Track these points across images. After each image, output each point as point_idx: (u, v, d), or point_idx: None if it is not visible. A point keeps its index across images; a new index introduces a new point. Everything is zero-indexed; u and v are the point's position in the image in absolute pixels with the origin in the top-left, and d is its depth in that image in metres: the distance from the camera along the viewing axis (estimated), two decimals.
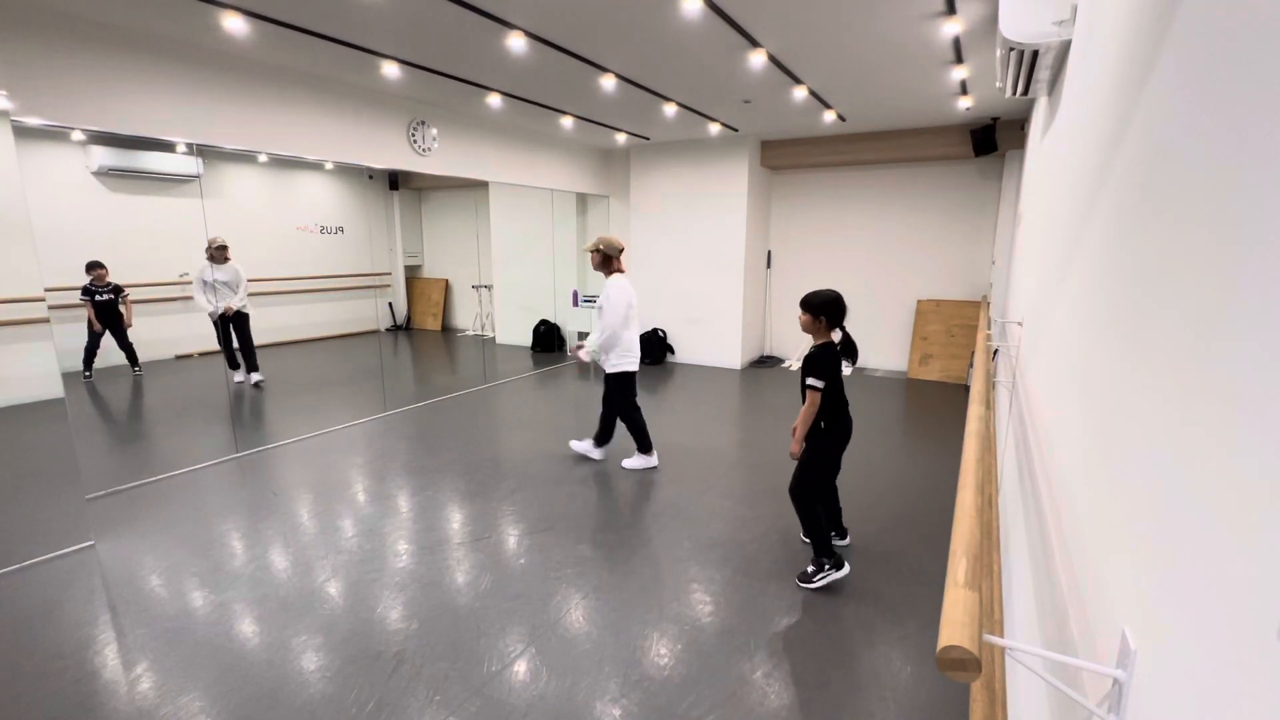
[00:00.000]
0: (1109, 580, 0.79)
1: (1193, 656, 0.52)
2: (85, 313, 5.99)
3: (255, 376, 6.27)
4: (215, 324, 5.91)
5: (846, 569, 2.88)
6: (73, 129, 3.51)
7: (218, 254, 5.81)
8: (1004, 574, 2.17)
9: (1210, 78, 0.63)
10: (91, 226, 6.33)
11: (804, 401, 2.79)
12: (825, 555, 2.86)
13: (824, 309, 2.74)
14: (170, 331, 6.95)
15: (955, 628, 0.76)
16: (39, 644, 2.41)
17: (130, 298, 6.22)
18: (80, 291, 5.93)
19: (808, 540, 3.00)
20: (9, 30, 3.09)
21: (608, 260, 3.99)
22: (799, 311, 2.82)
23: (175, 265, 6.77)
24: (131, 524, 3.40)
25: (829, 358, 2.75)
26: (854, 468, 4.35)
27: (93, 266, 5.96)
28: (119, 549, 3.13)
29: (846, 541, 3.23)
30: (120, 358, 6.35)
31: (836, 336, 2.80)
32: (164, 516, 3.49)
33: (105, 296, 6.03)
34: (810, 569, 2.86)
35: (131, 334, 6.31)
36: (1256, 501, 0.43)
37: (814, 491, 2.87)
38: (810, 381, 2.74)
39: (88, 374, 6.17)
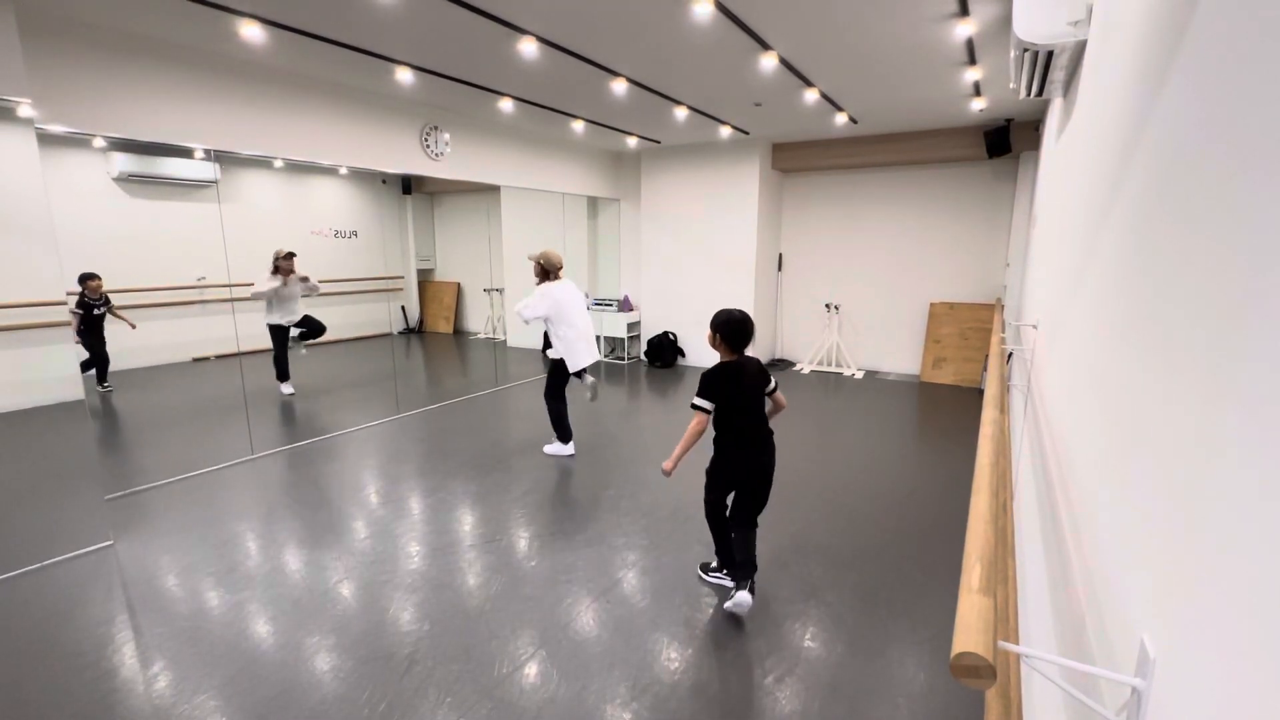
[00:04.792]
0: (1127, 587, 0.78)
1: (1215, 666, 0.51)
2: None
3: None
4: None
5: (743, 598, 2.51)
6: (95, 136, 3.58)
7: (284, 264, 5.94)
8: (1019, 580, 2.14)
9: (1228, 79, 0.62)
10: (112, 231, 6.43)
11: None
12: (727, 568, 2.80)
13: (719, 328, 2.61)
14: (187, 335, 7.05)
15: (969, 634, 0.75)
16: (59, 642, 2.45)
17: (117, 305, 5.94)
18: (75, 303, 5.49)
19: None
20: (34, 39, 3.15)
21: (544, 272, 4.42)
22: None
23: (193, 269, 6.88)
24: (149, 524, 3.45)
25: (716, 378, 2.61)
26: (867, 472, 4.32)
27: (87, 278, 5.58)
28: (137, 549, 3.18)
29: (743, 596, 2.54)
30: (127, 363, 6.28)
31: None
32: (181, 517, 3.53)
33: (101, 309, 5.73)
34: (713, 564, 2.91)
35: (149, 337, 6.32)
36: None
37: (711, 508, 2.77)
38: (693, 401, 2.64)
39: (106, 385, 6.00)
